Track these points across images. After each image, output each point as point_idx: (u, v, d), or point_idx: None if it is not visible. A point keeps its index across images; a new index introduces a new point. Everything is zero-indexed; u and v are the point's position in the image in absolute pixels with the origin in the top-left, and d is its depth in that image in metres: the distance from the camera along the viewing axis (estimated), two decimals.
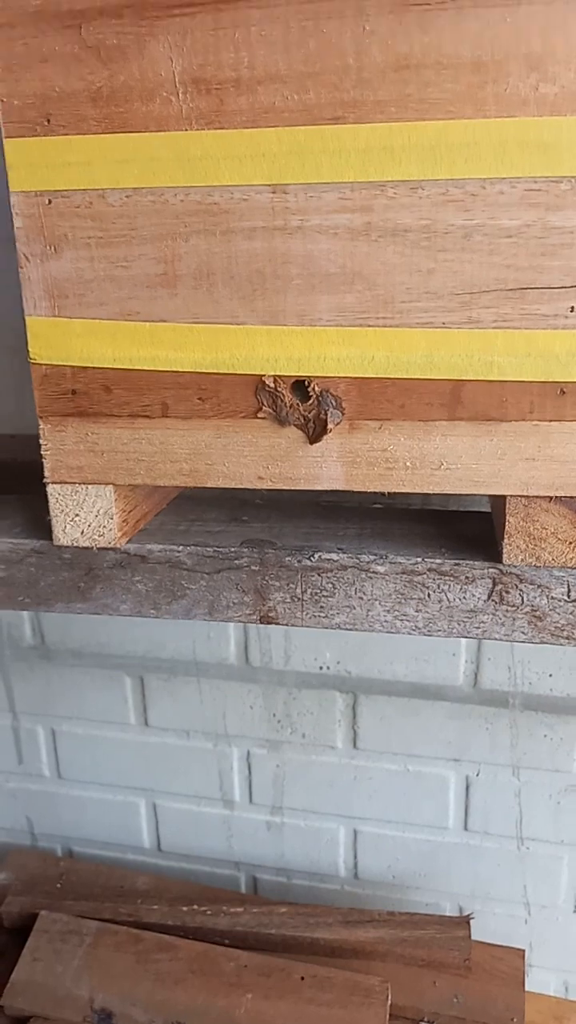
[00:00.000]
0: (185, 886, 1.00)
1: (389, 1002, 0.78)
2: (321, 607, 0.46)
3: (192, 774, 1.01)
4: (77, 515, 0.47)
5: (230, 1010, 0.79)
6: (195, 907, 0.91)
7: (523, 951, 0.86)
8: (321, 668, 0.92)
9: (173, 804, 1.04)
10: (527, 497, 0.42)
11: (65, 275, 0.43)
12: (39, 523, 0.51)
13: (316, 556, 0.46)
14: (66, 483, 0.47)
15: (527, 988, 0.84)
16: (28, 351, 0.45)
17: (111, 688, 1.00)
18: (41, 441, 0.46)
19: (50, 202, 0.42)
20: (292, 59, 0.38)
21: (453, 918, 0.87)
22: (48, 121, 0.41)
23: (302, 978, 0.82)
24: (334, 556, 0.46)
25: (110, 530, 0.47)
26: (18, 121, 0.41)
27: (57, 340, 0.44)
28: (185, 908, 0.91)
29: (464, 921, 0.86)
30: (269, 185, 0.40)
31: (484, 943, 0.87)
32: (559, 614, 0.44)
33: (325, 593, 0.46)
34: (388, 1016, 0.77)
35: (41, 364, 0.45)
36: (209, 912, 0.91)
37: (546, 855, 0.92)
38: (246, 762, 1.00)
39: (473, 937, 0.86)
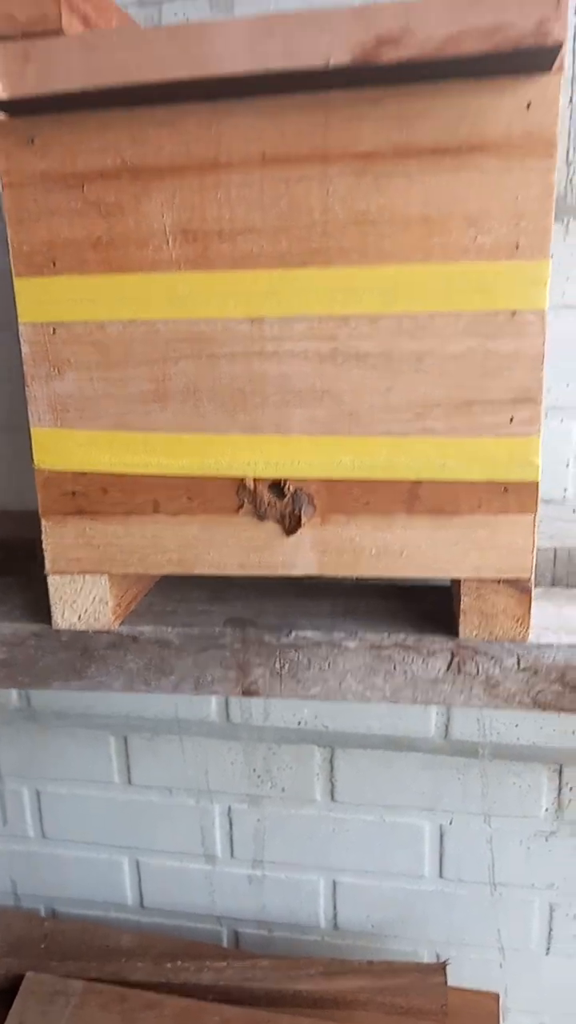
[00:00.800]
0: (169, 942, 1.02)
1: None
2: (298, 680, 0.51)
3: (175, 830, 1.04)
4: (75, 602, 0.52)
5: None
6: (179, 963, 0.93)
7: (498, 995, 0.89)
8: (299, 723, 0.96)
9: (156, 861, 1.07)
10: (479, 580, 0.48)
11: (68, 393, 0.49)
12: (38, 606, 0.55)
13: (293, 634, 0.51)
14: (65, 573, 0.52)
15: None
16: (33, 457, 0.50)
17: (95, 747, 1.03)
18: (43, 537, 0.51)
19: (55, 331, 0.48)
20: (267, 215, 0.44)
21: (430, 965, 0.90)
22: (54, 264, 0.46)
23: None
24: (309, 633, 0.51)
25: (105, 614, 0.52)
26: (28, 263, 0.47)
27: (60, 449, 0.49)
28: (169, 965, 0.93)
29: (440, 968, 0.89)
30: (248, 318, 0.46)
31: (460, 988, 0.90)
32: (511, 682, 0.49)
33: (301, 667, 0.51)
34: None
35: (45, 469, 0.50)
36: (192, 968, 0.93)
37: (518, 899, 0.96)
38: (227, 817, 1.03)
39: (450, 982, 0.89)
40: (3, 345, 0.84)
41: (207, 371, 0.47)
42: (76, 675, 0.54)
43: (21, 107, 0.43)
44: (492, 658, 0.49)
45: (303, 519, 0.48)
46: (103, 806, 1.05)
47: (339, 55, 0.40)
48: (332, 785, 0.98)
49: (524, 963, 0.98)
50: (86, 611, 0.52)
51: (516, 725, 0.91)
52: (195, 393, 0.48)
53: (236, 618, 0.53)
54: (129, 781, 1.04)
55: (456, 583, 0.49)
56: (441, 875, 0.98)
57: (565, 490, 0.82)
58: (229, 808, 1.02)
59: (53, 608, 0.52)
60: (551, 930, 0.96)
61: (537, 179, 0.41)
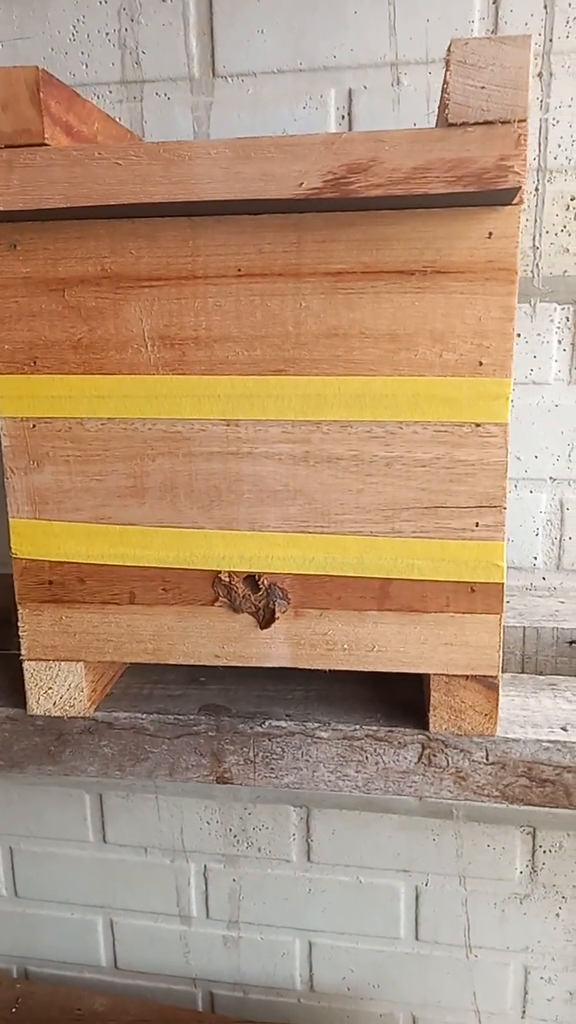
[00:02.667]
0: (143, 1006, 1.01)
1: None
2: (272, 768, 0.52)
3: (150, 890, 1.03)
4: (50, 688, 0.53)
5: None
6: None
7: None
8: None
9: (130, 921, 1.06)
10: (448, 675, 0.49)
11: (46, 485, 0.50)
12: (11, 688, 0.56)
13: (267, 723, 0.52)
14: (41, 660, 0.52)
15: None
16: (11, 547, 0.51)
17: (70, 806, 1.02)
18: (19, 624, 0.52)
19: (35, 426, 0.49)
20: (242, 325, 0.46)
21: None
22: (35, 363, 0.48)
23: None
24: (283, 723, 0.51)
25: (80, 701, 0.53)
26: (9, 361, 0.48)
27: (37, 539, 0.50)
28: None
29: None
30: (224, 420, 0.47)
31: None
32: (480, 775, 0.50)
33: (275, 756, 0.52)
34: None
35: (22, 558, 0.51)
36: None
37: (493, 962, 0.96)
38: (203, 877, 1.02)
39: None
40: None
41: (184, 468, 0.48)
42: (51, 759, 0.54)
43: (4, 214, 0.45)
44: (461, 751, 0.50)
45: (277, 613, 0.49)
46: (77, 865, 1.04)
47: (311, 181, 0.42)
48: (308, 845, 0.98)
49: None
50: (61, 697, 0.53)
51: None
52: (172, 489, 0.49)
53: (211, 704, 0.54)
54: (104, 840, 1.03)
55: (426, 677, 0.50)
56: (417, 937, 0.98)
57: (535, 559, 0.84)
58: (205, 867, 1.01)
59: (28, 693, 0.53)
60: (526, 993, 0.96)
61: (498, 303, 0.43)
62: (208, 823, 1.00)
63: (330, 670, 0.51)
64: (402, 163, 0.41)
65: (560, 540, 0.84)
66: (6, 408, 0.49)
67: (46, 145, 0.44)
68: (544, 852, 0.92)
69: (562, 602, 0.74)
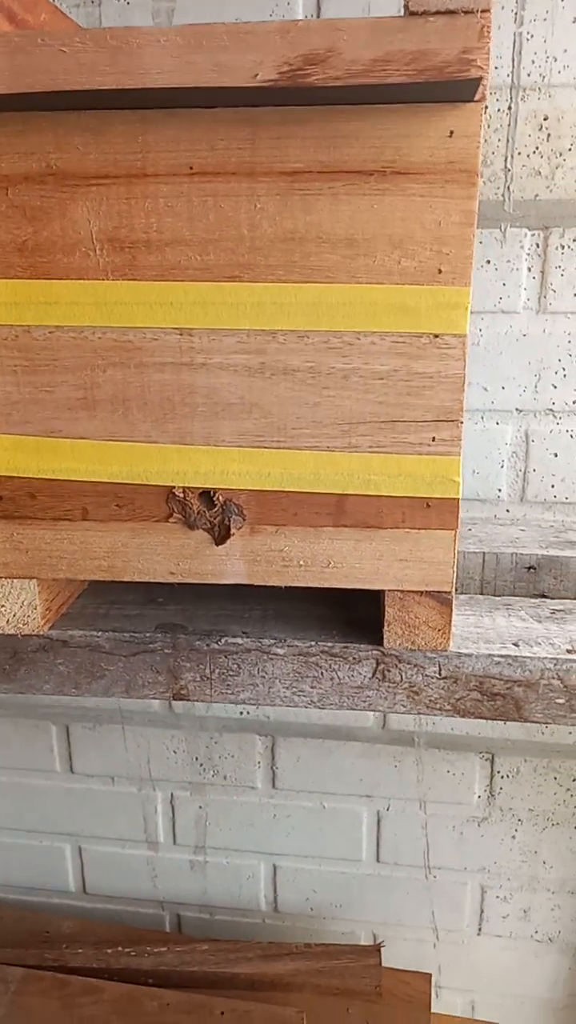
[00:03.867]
0: (110, 928, 1.04)
1: None
2: (228, 685, 0.52)
3: (117, 818, 1.05)
4: (3, 606, 0.52)
5: None
6: (119, 949, 0.95)
7: (430, 975, 0.93)
8: (241, 713, 0.98)
9: (98, 847, 1.08)
10: (402, 591, 0.49)
11: None
12: None
13: (223, 640, 0.52)
14: None
15: (436, 1010, 0.91)
16: None
17: (36, 737, 1.03)
18: None
19: None
20: (195, 227, 0.44)
21: (365, 947, 0.93)
22: None
23: (222, 1013, 0.86)
24: (239, 640, 0.51)
25: (34, 619, 0.52)
26: None
27: None
28: (110, 950, 0.95)
29: (375, 949, 0.92)
30: (177, 328, 0.46)
31: (394, 969, 0.93)
32: (432, 689, 0.51)
33: (231, 673, 0.52)
34: None
35: None
36: (133, 953, 0.94)
37: (451, 882, 1.00)
38: (170, 804, 1.04)
39: (386, 963, 0.92)
40: None
41: (136, 380, 0.47)
42: (5, 677, 0.54)
43: None
44: (415, 666, 0.50)
45: (232, 529, 0.49)
46: (45, 794, 1.06)
47: (266, 72, 0.40)
48: (273, 773, 1.00)
49: (456, 943, 1.02)
50: (15, 615, 0.52)
51: None
52: (124, 402, 0.48)
53: (167, 623, 0.54)
54: (71, 770, 1.04)
55: (381, 594, 0.50)
56: (378, 859, 1.01)
57: (499, 491, 0.84)
58: (172, 795, 1.03)
59: None
60: (482, 911, 1.00)
61: (458, 207, 0.42)
62: (175, 752, 1.01)
63: (288, 590, 0.51)
64: (360, 54, 0.39)
65: (524, 472, 0.84)
66: None
67: None
68: (502, 777, 0.95)
69: (523, 530, 0.75)
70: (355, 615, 0.55)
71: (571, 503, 0.84)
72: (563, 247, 0.76)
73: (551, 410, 0.81)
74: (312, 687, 0.51)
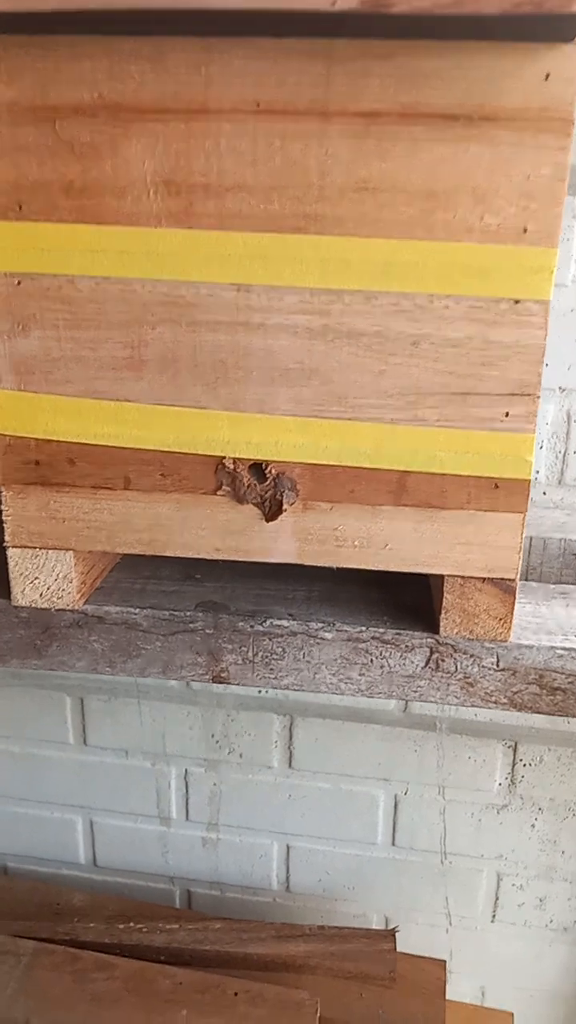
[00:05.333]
0: (121, 902, 1.02)
1: (318, 1016, 0.82)
2: (271, 669, 0.49)
3: (130, 792, 1.03)
4: (36, 578, 0.49)
5: None
6: (131, 924, 0.93)
7: (444, 962, 0.91)
8: (259, 691, 0.95)
9: (110, 821, 1.06)
10: (463, 577, 0.46)
11: (32, 353, 0.44)
12: None
13: (268, 622, 0.49)
14: (26, 547, 0.48)
15: (447, 995, 0.90)
16: None
17: (50, 709, 1.01)
18: (2, 507, 0.48)
19: (19, 283, 0.43)
20: (259, 172, 0.40)
21: (379, 931, 0.92)
22: (20, 208, 0.42)
23: (236, 994, 0.85)
24: (285, 623, 0.49)
25: (69, 592, 0.49)
26: None
27: (22, 413, 0.45)
28: (122, 926, 0.93)
29: (390, 934, 0.91)
30: (234, 284, 0.42)
31: (409, 955, 0.92)
32: (488, 681, 0.48)
33: (275, 656, 0.49)
34: None
35: (6, 435, 0.46)
36: (145, 929, 0.93)
37: (467, 869, 0.98)
38: (184, 780, 1.02)
39: (397, 947, 0.91)
40: None
41: (187, 340, 0.43)
42: (36, 653, 0.51)
43: None
44: (471, 656, 0.47)
45: (284, 505, 0.45)
46: (57, 766, 1.04)
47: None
48: (290, 753, 0.98)
49: (470, 930, 1.00)
50: (48, 588, 0.49)
51: None
52: (174, 363, 0.44)
53: (208, 602, 0.51)
54: (85, 742, 1.02)
55: (439, 579, 0.47)
56: (394, 843, 1.00)
57: (537, 472, 0.80)
58: (186, 772, 1.01)
59: (13, 584, 0.49)
60: (497, 899, 0.99)
61: (549, 159, 0.38)
62: (191, 728, 0.99)
63: (330, 570, 0.48)
64: None
65: (564, 454, 0.81)
66: None
67: None
68: (524, 765, 0.93)
69: (568, 515, 0.72)
70: (404, 599, 0.52)
71: None
72: None
73: None
74: (360, 675, 0.49)
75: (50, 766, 1.04)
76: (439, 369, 0.42)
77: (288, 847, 1.03)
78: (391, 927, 0.93)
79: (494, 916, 0.99)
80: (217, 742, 0.99)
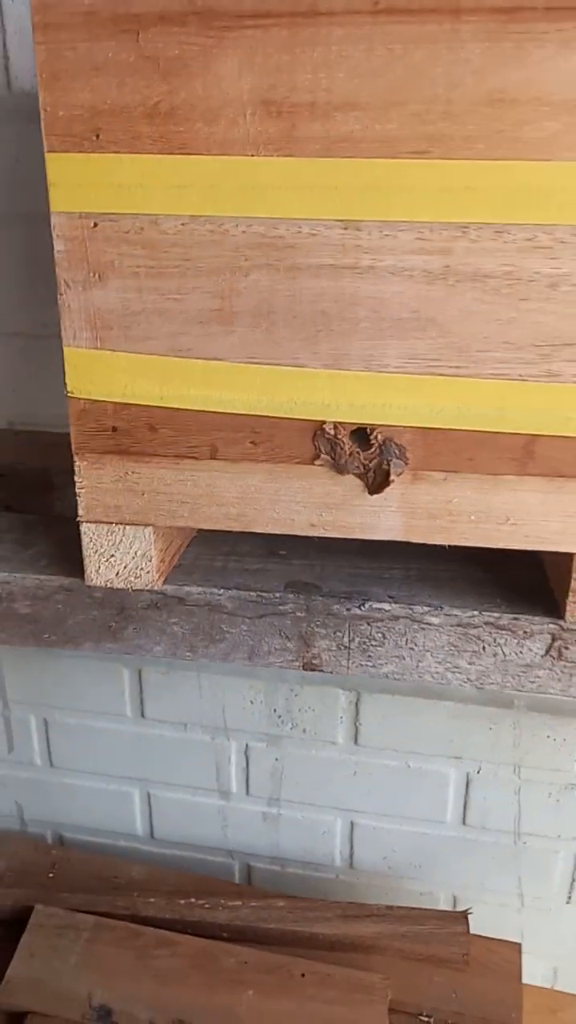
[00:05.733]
0: (180, 877, 1.00)
1: (389, 999, 0.80)
2: (369, 656, 0.45)
3: (188, 765, 1.01)
4: (112, 556, 0.45)
5: (232, 1008, 0.80)
6: (192, 900, 0.91)
7: (519, 945, 0.88)
8: None
9: (168, 794, 1.04)
10: None
11: (110, 306, 0.39)
12: (67, 555, 0.48)
13: (367, 605, 0.44)
14: (102, 523, 0.44)
15: None
16: (65, 384, 0.41)
17: (108, 681, 0.98)
18: (76, 479, 0.43)
19: (96, 225, 0.38)
20: (375, 85, 0.34)
21: (451, 913, 0.89)
22: (97, 137, 0.37)
23: (303, 975, 0.83)
24: (386, 606, 0.44)
25: (147, 572, 0.45)
26: (63, 135, 0.37)
27: (99, 374, 0.41)
28: (182, 901, 0.91)
29: (462, 916, 0.87)
30: (341, 221, 0.37)
31: (481, 937, 0.88)
32: None
33: (374, 643, 0.44)
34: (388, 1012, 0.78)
35: (80, 398, 0.41)
36: (207, 906, 0.91)
37: (542, 849, 0.94)
38: (244, 755, 0.99)
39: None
40: (29, 239, 0.73)
41: (285, 287, 0.38)
42: (111, 636, 0.47)
43: None
44: None
45: (392, 475, 0.40)
46: (114, 738, 1.02)
47: None
48: (356, 729, 0.94)
49: (543, 911, 0.97)
50: (126, 567, 0.45)
51: None
52: (269, 315, 0.39)
53: (297, 582, 0.46)
54: (142, 715, 1.00)
55: (563, 558, 0.42)
56: (464, 822, 0.96)
57: None
58: (246, 746, 0.98)
59: (86, 562, 0.45)
60: (574, 880, 0.95)
61: None
62: (252, 702, 0.96)
63: (427, 546, 0.43)
64: None
65: None
66: (59, 201, 0.38)
67: None
68: None
69: None
70: (516, 579, 0.47)
71: None
72: None
73: None
74: (470, 663, 0.44)
75: (107, 738, 1.02)
76: None
77: (352, 824, 1.00)
78: (462, 908, 0.89)
79: (569, 897, 0.96)
80: (280, 717, 0.96)
